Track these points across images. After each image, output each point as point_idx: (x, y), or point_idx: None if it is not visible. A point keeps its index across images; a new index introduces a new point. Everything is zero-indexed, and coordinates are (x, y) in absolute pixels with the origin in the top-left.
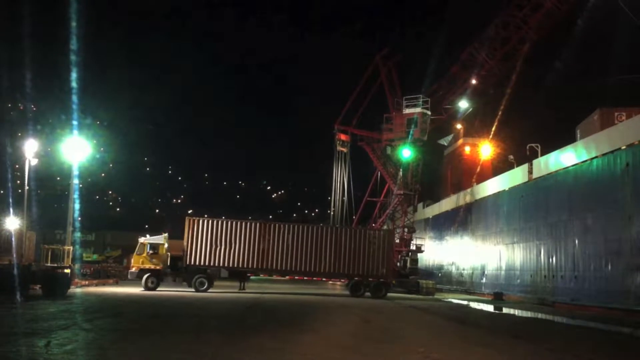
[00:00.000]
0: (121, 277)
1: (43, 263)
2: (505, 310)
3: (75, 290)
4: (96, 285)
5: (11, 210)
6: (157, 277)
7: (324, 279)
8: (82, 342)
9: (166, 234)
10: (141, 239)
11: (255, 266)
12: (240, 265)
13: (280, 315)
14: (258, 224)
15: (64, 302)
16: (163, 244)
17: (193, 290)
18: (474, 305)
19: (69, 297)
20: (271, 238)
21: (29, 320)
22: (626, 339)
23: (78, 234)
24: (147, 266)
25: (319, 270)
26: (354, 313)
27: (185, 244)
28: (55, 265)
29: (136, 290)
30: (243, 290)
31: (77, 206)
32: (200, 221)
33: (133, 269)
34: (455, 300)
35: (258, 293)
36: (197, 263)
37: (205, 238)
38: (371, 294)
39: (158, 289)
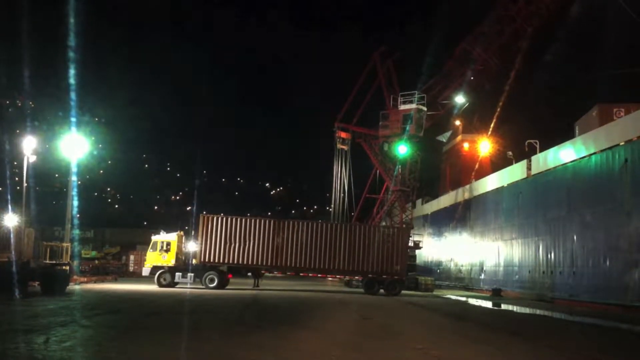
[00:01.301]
0: (120, 274)
1: (42, 260)
2: (503, 306)
3: (74, 287)
4: (95, 282)
5: (10, 207)
6: (170, 274)
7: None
8: (80, 338)
9: (181, 232)
10: (154, 237)
11: (269, 263)
12: (254, 263)
13: (280, 312)
14: (272, 222)
15: (63, 299)
16: (175, 242)
17: (203, 287)
18: (473, 301)
19: (67, 294)
20: (285, 235)
21: (28, 317)
22: (625, 335)
23: (77, 231)
24: (160, 263)
25: (333, 267)
26: (353, 310)
27: (199, 241)
28: (54, 262)
29: (135, 287)
30: (257, 288)
31: (75, 203)
32: (215, 218)
33: (147, 266)
34: (453, 296)
35: (272, 290)
36: (210, 260)
37: (219, 235)
38: (385, 291)
39: (169, 286)
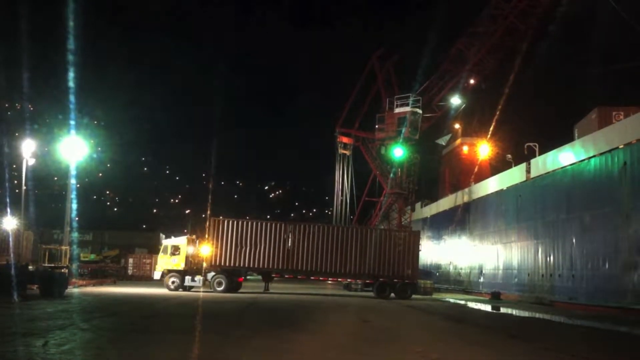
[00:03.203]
0: (119, 277)
1: (41, 263)
2: (502, 309)
3: (73, 290)
4: (94, 285)
5: (9, 210)
6: (179, 278)
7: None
8: (79, 341)
9: (192, 236)
10: (165, 241)
11: (279, 267)
12: (264, 266)
13: (280, 315)
14: (283, 225)
15: (62, 302)
16: (185, 245)
17: (212, 290)
18: (472, 304)
19: (66, 297)
20: (296, 238)
21: (27, 320)
22: (623, 338)
23: (75, 234)
24: (170, 267)
25: (344, 271)
26: (352, 312)
27: (209, 244)
28: (53, 265)
29: (135, 290)
30: (268, 291)
31: (74, 206)
32: (225, 222)
33: (157, 270)
34: (453, 299)
35: (279, 294)
36: (220, 264)
37: (229, 238)
38: (396, 295)
39: (179, 289)
